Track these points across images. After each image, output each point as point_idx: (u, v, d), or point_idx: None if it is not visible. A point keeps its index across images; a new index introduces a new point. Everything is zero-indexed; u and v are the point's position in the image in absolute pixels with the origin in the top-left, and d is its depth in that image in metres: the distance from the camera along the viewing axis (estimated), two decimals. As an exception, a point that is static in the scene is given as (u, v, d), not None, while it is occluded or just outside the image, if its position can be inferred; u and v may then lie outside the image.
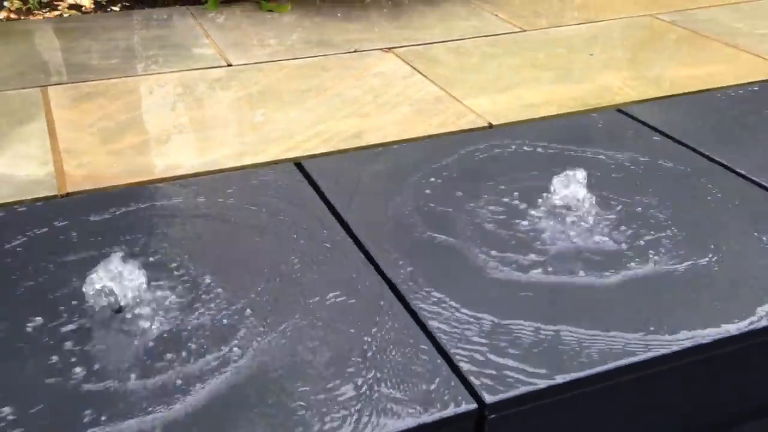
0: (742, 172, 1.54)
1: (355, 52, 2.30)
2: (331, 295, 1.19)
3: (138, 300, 1.12)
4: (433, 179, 1.53)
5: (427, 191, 1.48)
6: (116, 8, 2.64)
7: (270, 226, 1.37)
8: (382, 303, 1.17)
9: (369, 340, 1.10)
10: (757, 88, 1.97)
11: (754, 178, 1.52)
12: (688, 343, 1.09)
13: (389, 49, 2.32)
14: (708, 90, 1.99)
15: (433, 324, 1.13)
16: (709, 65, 2.17)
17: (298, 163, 1.61)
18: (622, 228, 1.35)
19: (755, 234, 1.34)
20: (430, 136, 1.78)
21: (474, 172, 1.55)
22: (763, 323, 1.13)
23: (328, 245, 1.31)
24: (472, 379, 1.03)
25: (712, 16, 2.57)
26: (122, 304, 1.10)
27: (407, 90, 2.03)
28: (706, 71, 2.12)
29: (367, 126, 1.83)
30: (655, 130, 1.73)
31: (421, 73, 2.13)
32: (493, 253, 1.29)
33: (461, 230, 1.35)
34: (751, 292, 1.20)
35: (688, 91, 1.99)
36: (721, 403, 1.19)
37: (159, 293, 1.16)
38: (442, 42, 2.37)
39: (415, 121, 1.85)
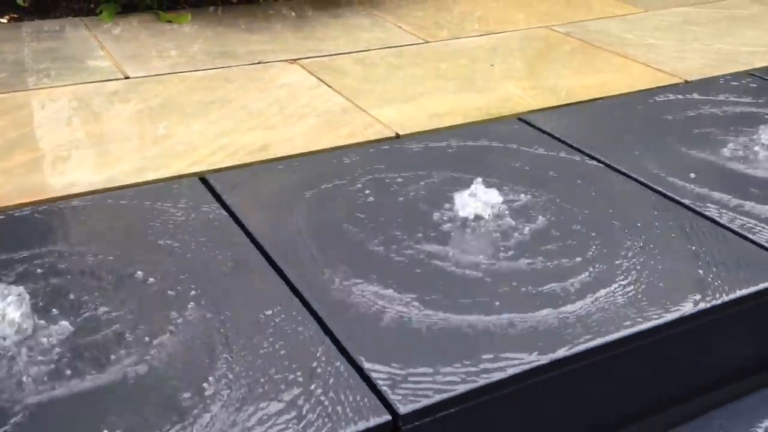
0: (634, 175, 1.62)
1: (259, 63, 2.27)
2: (240, 311, 1.16)
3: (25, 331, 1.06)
4: (342, 190, 1.52)
5: (337, 203, 1.48)
6: (4, 20, 2.49)
7: (174, 243, 1.32)
8: (294, 317, 1.16)
9: (282, 354, 1.08)
10: (646, 96, 2.08)
11: (646, 182, 1.60)
12: (593, 344, 1.13)
13: (294, 60, 2.31)
14: (601, 98, 2.09)
15: (343, 335, 1.12)
16: (602, 74, 2.28)
17: (202, 178, 1.56)
18: (525, 232, 1.39)
19: (646, 235, 1.41)
20: (338, 147, 1.77)
21: (383, 182, 1.56)
22: (646, 326, 1.17)
23: (236, 262, 1.28)
24: (384, 390, 1.03)
25: (603, 28, 2.70)
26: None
27: (314, 101, 2.03)
28: (599, 80, 2.23)
29: (274, 138, 1.81)
30: (554, 137, 1.80)
31: (327, 84, 2.13)
32: (403, 265, 1.29)
33: (372, 241, 1.35)
34: (641, 296, 1.25)
35: (582, 100, 2.08)
36: (617, 403, 1.24)
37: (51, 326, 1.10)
38: (348, 53, 2.38)
39: (322, 133, 1.85)
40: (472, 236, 1.37)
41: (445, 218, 1.42)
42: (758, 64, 2.35)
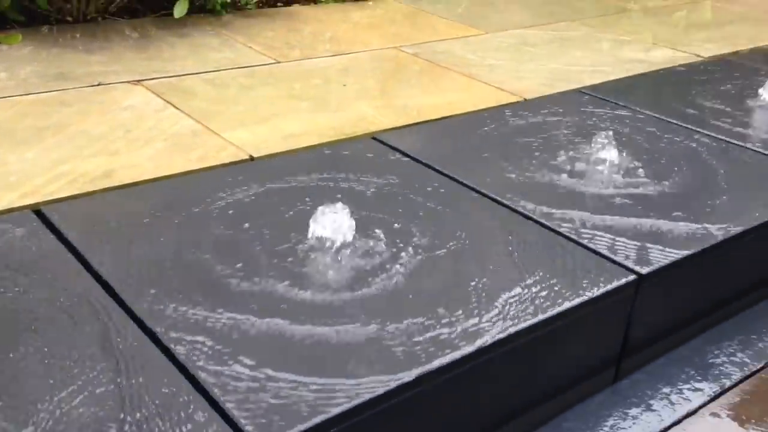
0: (481, 189, 1.69)
1: (99, 85, 2.15)
2: (86, 352, 1.08)
3: None
4: (193, 218, 1.47)
5: (188, 231, 1.42)
6: None
7: (2, 284, 1.21)
8: (143, 355, 1.09)
9: (131, 393, 1.01)
10: (489, 114, 2.19)
11: (492, 195, 1.67)
12: (444, 361, 1.16)
13: (138, 81, 2.20)
14: (449, 117, 2.17)
15: (198, 371, 1.07)
16: (449, 93, 2.37)
17: (37, 210, 1.45)
18: (379, 249, 1.40)
19: (492, 249, 1.47)
20: (189, 172, 1.71)
21: (238, 208, 1.52)
22: (497, 338, 1.21)
23: (76, 301, 1.19)
24: (246, 426, 0.99)
25: (448, 48, 2.82)
26: None
27: (161, 124, 1.94)
28: (446, 99, 2.31)
29: (119, 164, 1.71)
30: (406, 155, 1.84)
31: (175, 107, 2.05)
32: (256, 294, 1.26)
33: (224, 271, 1.31)
34: (482, 311, 1.30)
35: (432, 118, 2.15)
36: (468, 415, 1.27)
37: None
38: (196, 74, 2.31)
39: (172, 157, 1.77)
40: (322, 260, 1.35)
41: (293, 244, 1.39)
42: (587, 82, 2.55)
